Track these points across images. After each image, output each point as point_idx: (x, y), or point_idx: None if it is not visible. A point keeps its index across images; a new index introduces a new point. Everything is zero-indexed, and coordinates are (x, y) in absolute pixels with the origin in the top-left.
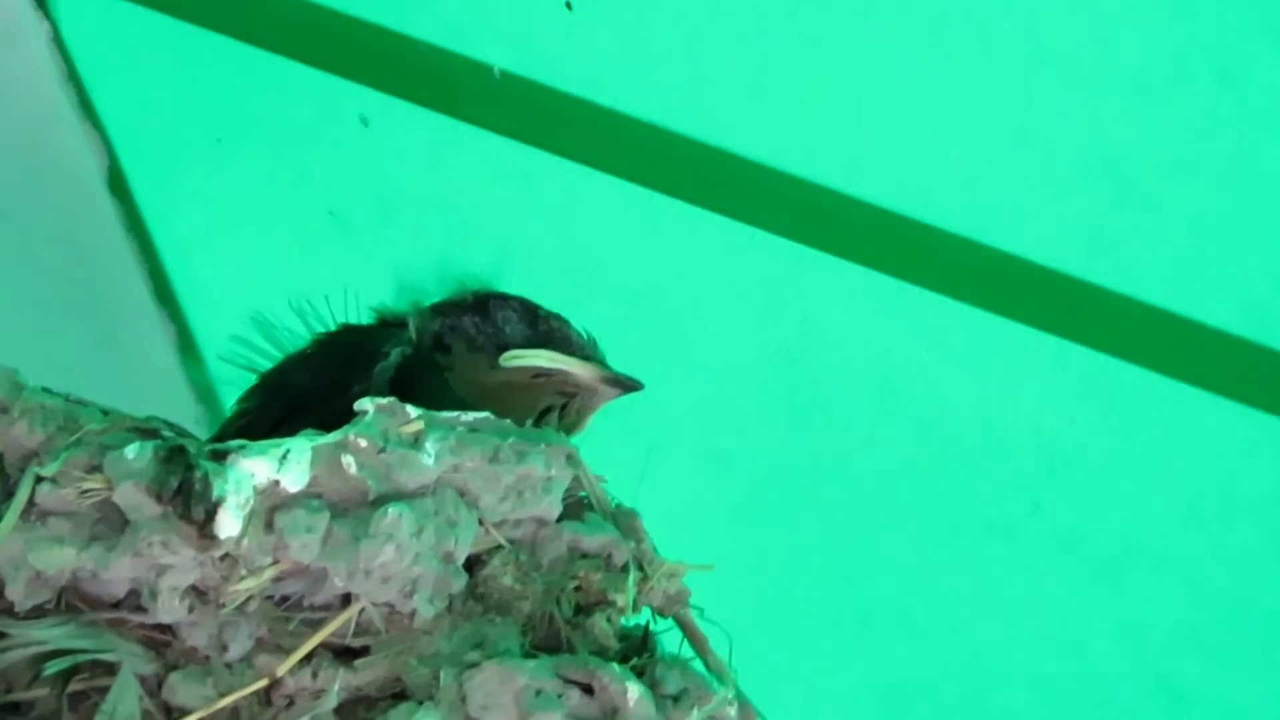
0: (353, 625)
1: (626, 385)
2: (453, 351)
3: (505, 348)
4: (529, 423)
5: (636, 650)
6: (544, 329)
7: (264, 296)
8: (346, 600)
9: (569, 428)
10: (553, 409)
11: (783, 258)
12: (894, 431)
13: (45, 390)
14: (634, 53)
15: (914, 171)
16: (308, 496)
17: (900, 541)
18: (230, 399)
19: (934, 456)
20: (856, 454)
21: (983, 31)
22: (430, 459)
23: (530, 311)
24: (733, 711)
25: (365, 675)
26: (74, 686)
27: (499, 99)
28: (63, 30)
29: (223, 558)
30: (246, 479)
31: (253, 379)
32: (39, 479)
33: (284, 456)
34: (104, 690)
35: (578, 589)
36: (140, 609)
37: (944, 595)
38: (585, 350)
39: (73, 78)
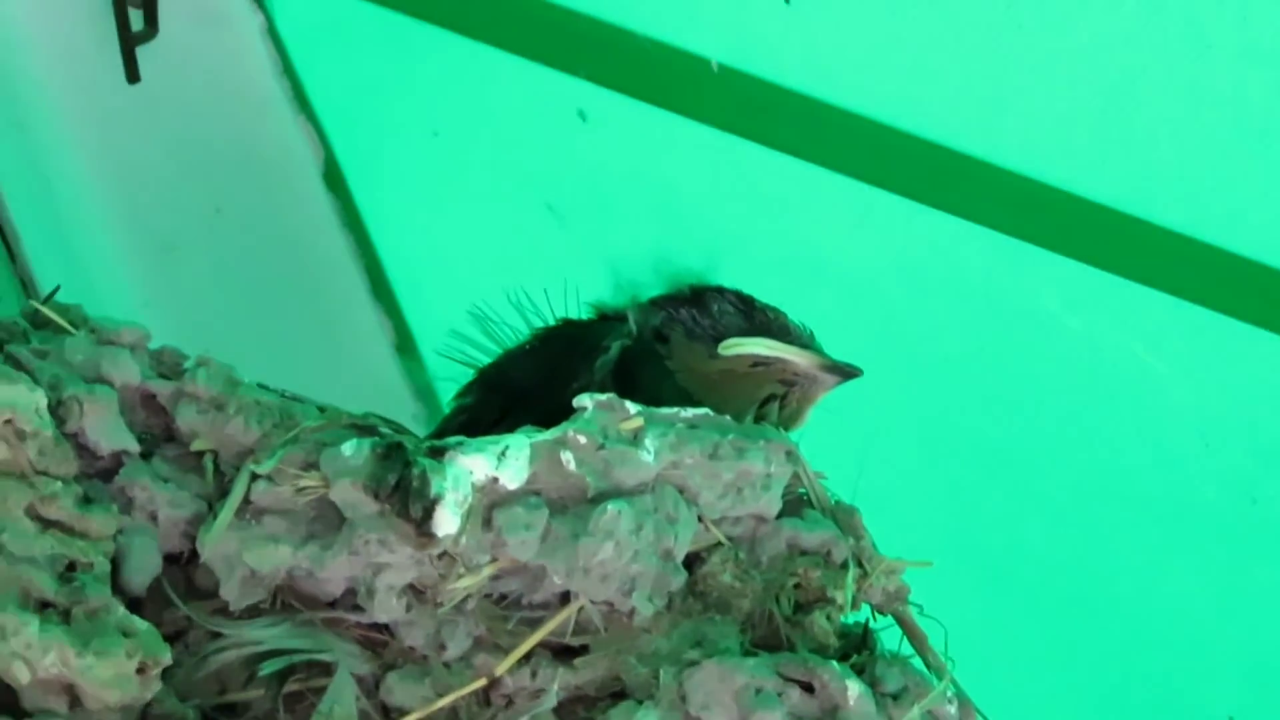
0: (571, 624)
1: (846, 372)
2: (671, 341)
3: (722, 339)
4: (750, 415)
5: (856, 648)
6: (760, 320)
7: (481, 291)
8: (565, 598)
9: (789, 418)
10: (774, 398)
11: (998, 252)
12: (1110, 426)
13: (261, 386)
14: (851, 47)
15: (1127, 165)
16: (526, 494)
17: (1117, 536)
18: (448, 395)
19: (1150, 451)
20: (1073, 449)
21: (1194, 25)
22: (650, 456)
23: (746, 303)
24: (952, 709)
25: (584, 674)
26: (290, 687)
27: (717, 93)
28: (277, 22)
29: (440, 556)
30: (464, 476)
31: (471, 374)
32: (254, 476)
33: (503, 453)
34: (320, 691)
35: (797, 586)
36: (357, 608)
37: (1161, 590)
38: (803, 340)
39: (287, 71)
